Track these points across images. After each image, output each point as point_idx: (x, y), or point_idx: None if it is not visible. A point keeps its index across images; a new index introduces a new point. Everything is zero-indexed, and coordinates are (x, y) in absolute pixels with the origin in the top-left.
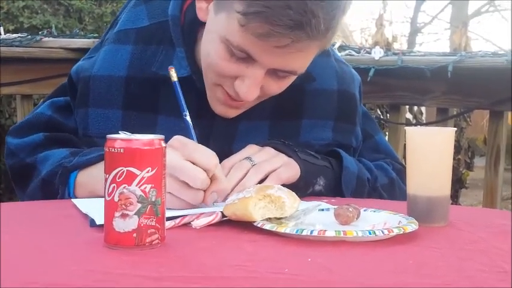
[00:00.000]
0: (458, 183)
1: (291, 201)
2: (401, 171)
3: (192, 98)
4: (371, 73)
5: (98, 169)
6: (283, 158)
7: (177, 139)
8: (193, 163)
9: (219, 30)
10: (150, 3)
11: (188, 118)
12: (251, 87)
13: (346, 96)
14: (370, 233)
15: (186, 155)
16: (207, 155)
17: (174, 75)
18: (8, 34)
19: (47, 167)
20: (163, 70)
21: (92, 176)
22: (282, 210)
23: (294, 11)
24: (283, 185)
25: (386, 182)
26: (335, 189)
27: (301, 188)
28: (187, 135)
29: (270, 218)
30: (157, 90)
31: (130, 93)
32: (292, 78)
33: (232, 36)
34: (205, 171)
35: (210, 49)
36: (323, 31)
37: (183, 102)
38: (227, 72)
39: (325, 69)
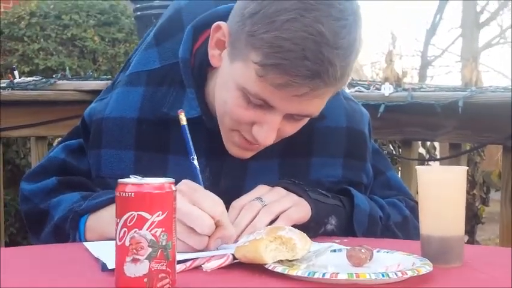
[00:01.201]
0: (474, 219)
1: (302, 242)
2: (414, 208)
3: (203, 137)
4: (381, 109)
5: (107, 212)
6: (293, 198)
7: (186, 184)
8: (200, 209)
9: (235, 78)
10: (162, 46)
11: (196, 162)
12: (269, 132)
13: (355, 134)
14: (383, 276)
15: (193, 201)
16: (214, 202)
17: (183, 119)
18: (22, 78)
19: (59, 213)
20: (174, 111)
21: (101, 220)
22: (293, 252)
23: (311, 61)
24: (294, 226)
25: (399, 220)
26: (347, 228)
27: (313, 228)
28: (199, 176)
29: (281, 260)
30: (168, 130)
31: (142, 134)
32: (307, 119)
33: (250, 86)
34: (211, 217)
35: (227, 97)
36: (339, 78)
37: (191, 145)
38: (245, 119)
39: (334, 108)
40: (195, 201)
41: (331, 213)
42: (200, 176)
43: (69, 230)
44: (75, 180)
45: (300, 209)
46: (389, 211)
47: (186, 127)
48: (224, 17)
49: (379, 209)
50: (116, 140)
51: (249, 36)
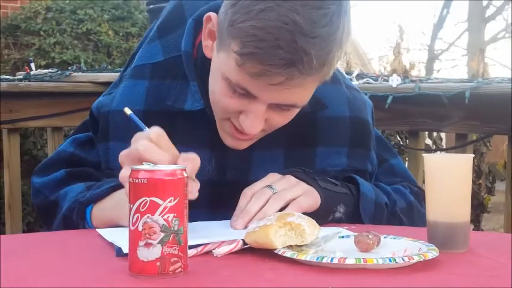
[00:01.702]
0: (479, 208)
1: (311, 228)
2: (419, 194)
3: (206, 129)
4: (389, 100)
5: (111, 199)
6: (303, 186)
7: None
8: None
9: (220, 68)
10: (165, 39)
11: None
12: (254, 121)
13: (359, 122)
14: (390, 261)
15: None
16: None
17: (128, 110)
18: (39, 70)
19: (66, 203)
20: (178, 104)
21: (105, 208)
22: (302, 237)
23: (285, 50)
24: (304, 213)
25: (404, 206)
26: (355, 216)
27: (322, 216)
28: (204, 166)
29: (290, 246)
30: (173, 122)
31: (148, 126)
32: (296, 110)
33: (231, 75)
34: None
35: (215, 86)
36: (316, 67)
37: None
38: (231, 108)
39: (336, 97)
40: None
41: (339, 201)
42: (141, 124)
43: (77, 220)
44: (82, 171)
45: (310, 197)
46: (395, 197)
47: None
48: None
49: (384, 196)
50: (122, 133)
51: (229, 25)
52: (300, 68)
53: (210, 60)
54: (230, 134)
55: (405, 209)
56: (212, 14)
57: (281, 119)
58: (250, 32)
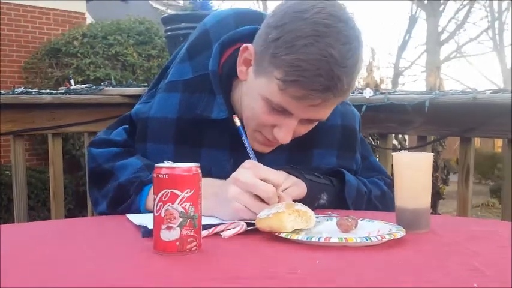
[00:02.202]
0: (437, 196)
1: (313, 215)
2: (390, 185)
3: (228, 135)
4: (363, 109)
5: None
6: (293, 179)
7: (250, 161)
8: (264, 181)
9: (260, 90)
10: (193, 60)
11: (250, 149)
12: (287, 133)
13: (348, 130)
14: (366, 239)
15: (258, 175)
16: (276, 174)
17: (237, 121)
18: (77, 85)
19: (125, 175)
20: (206, 113)
21: None
22: (307, 222)
23: (324, 78)
24: (294, 201)
25: (379, 194)
26: (336, 203)
27: (308, 203)
28: (225, 164)
29: (296, 229)
30: (201, 128)
31: (180, 131)
32: (316, 122)
33: (273, 97)
34: (275, 186)
35: (253, 105)
36: (345, 90)
37: (245, 139)
38: (267, 122)
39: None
40: (260, 175)
41: (322, 190)
42: (252, 154)
43: (132, 192)
44: (135, 152)
45: (298, 187)
46: (371, 187)
47: (241, 128)
48: (244, 37)
49: (363, 186)
50: (159, 136)
51: (272, 57)
52: (335, 92)
53: (232, 78)
54: (261, 143)
55: (379, 197)
56: (249, 46)
57: (304, 129)
58: (294, 63)
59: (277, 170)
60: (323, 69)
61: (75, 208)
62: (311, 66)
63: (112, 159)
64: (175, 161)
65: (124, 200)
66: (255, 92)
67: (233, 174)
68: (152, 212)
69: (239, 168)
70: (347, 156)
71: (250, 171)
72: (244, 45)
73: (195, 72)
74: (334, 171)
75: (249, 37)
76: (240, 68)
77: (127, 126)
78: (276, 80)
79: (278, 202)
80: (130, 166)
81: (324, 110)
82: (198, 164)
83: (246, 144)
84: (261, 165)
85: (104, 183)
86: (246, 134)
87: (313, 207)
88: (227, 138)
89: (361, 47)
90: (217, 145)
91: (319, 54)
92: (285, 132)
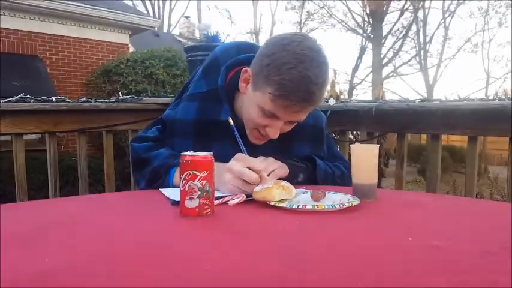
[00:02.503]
0: (380, 175)
1: (293, 189)
2: (348, 168)
3: (231, 134)
4: (328, 113)
5: None
6: (279, 163)
7: (240, 155)
8: (250, 169)
9: (256, 101)
10: (207, 78)
11: (241, 142)
12: (276, 131)
13: (317, 128)
14: (332, 206)
15: (245, 165)
16: (258, 164)
17: (231, 122)
18: (123, 96)
19: (157, 161)
20: (216, 116)
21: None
22: (289, 195)
23: (302, 92)
24: (279, 179)
25: (339, 174)
26: (310, 181)
27: (290, 180)
28: (229, 154)
29: (282, 199)
30: (212, 128)
31: (197, 129)
32: (295, 123)
33: (266, 106)
34: (257, 173)
35: (251, 111)
36: (318, 101)
37: (236, 133)
38: (261, 124)
39: None
40: (247, 164)
41: (300, 172)
42: (243, 148)
43: (162, 174)
44: (164, 144)
45: (283, 168)
46: (334, 169)
47: (234, 126)
48: (243, 62)
49: (329, 168)
50: (182, 133)
51: (265, 78)
52: (310, 102)
53: (235, 90)
54: (256, 138)
55: (340, 176)
56: (248, 69)
57: (287, 128)
58: (281, 82)
59: (268, 157)
60: (302, 86)
61: (122, 184)
62: (293, 84)
63: (148, 150)
64: (192, 149)
65: (157, 179)
66: (253, 102)
67: (227, 165)
68: (177, 187)
69: (231, 160)
70: (317, 147)
71: (239, 163)
72: (244, 68)
73: (208, 87)
74: (308, 158)
75: (247, 62)
76: (241, 84)
77: (159, 126)
78: (268, 93)
79: (261, 182)
80: (161, 155)
81: (302, 115)
82: (211, 153)
83: (238, 139)
84: (248, 157)
85: (143, 168)
86: (238, 131)
87: (293, 183)
88: (230, 136)
89: (328, 69)
90: (224, 140)
91: (299, 76)
92: (274, 131)
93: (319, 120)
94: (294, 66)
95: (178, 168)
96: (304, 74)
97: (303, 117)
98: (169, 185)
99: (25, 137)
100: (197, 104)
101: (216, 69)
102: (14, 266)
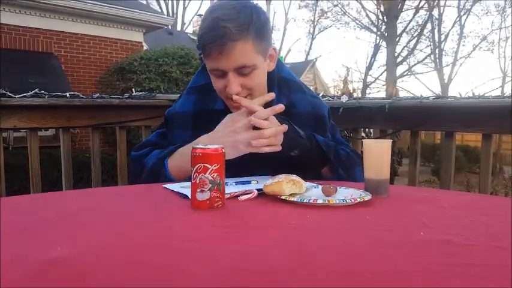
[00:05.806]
0: (393, 173)
1: (304, 184)
2: (354, 151)
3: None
4: (340, 110)
5: (177, 153)
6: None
7: (229, 115)
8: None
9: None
10: (205, 72)
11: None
12: (232, 86)
13: (317, 116)
14: (343, 201)
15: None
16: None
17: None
18: (137, 93)
19: (151, 162)
20: (212, 106)
21: (174, 159)
22: (300, 189)
23: (216, 30)
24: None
25: (344, 154)
26: (307, 157)
27: (285, 151)
28: None
29: (292, 194)
30: (211, 117)
31: (196, 121)
32: (254, 72)
33: (208, 66)
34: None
35: (212, 83)
36: (236, 33)
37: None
38: (221, 88)
39: (302, 100)
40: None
41: (297, 147)
42: None
43: (158, 169)
44: (157, 148)
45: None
46: (339, 148)
47: None
48: None
49: (331, 143)
50: (181, 125)
51: (198, 44)
52: (226, 37)
53: None
54: (233, 107)
55: (345, 155)
56: None
57: (250, 81)
58: (200, 34)
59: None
60: (213, 26)
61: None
62: (207, 29)
63: (144, 157)
64: (191, 141)
65: (156, 176)
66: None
67: (231, 127)
68: (176, 179)
69: (226, 123)
70: (319, 133)
71: (239, 117)
72: None
73: (205, 80)
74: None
75: None
76: None
77: (160, 130)
78: (201, 55)
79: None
80: (153, 156)
81: (237, 56)
82: (222, 146)
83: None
84: (238, 112)
85: (140, 173)
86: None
87: (288, 154)
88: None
89: (253, 11)
90: None
91: (209, 21)
92: (230, 85)
93: (319, 109)
94: (207, 17)
95: (171, 157)
96: (214, 16)
97: (242, 59)
98: (166, 175)
99: (39, 133)
100: (195, 97)
101: None
102: (23, 255)
